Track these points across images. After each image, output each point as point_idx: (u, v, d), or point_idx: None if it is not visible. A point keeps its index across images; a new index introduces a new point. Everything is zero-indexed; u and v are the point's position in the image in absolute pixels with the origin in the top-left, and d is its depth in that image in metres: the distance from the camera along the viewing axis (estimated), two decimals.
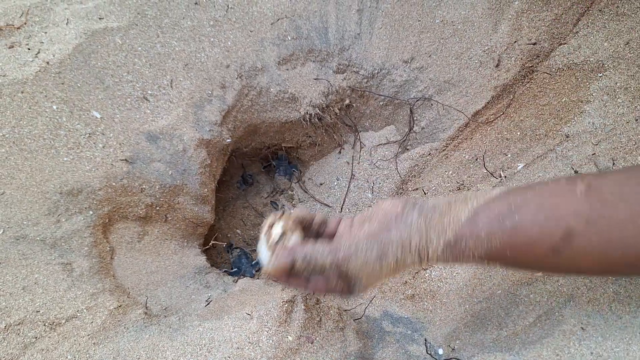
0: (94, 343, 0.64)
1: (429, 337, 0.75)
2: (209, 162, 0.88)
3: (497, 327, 0.68)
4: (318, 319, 0.68)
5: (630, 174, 0.41)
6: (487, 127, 0.93)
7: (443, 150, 0.96)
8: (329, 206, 1.03)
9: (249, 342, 0.63)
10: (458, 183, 0.91)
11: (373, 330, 0.76)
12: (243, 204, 1.09)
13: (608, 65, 0.83)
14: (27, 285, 0.67)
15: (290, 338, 0.64)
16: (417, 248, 0.45)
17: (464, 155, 0.94)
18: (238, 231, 1.07)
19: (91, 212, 0.76)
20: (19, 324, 0.63)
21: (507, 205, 0.41)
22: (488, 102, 0.94)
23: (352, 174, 1.02)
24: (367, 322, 0.78)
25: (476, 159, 0.92)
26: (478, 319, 0.72)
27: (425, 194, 0.94)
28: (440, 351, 0.72)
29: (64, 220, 0.74)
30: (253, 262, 1.03)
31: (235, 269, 1.01)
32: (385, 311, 0.82)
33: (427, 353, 0.71)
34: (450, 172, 0.94)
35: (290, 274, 0.50)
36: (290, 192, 1.10)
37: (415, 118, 1.00)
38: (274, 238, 0.52)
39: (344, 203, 1.01)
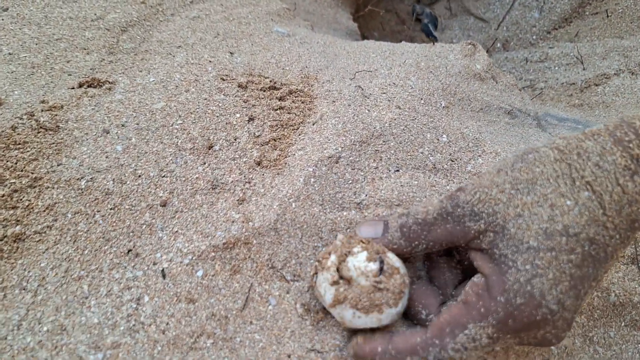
0: (271, 20, 0.60)
1: None
2: None
3: None
4: None
5: None
6: None
7: None
8: (485, 21, 0.94)
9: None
10: None
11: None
12: (386, 7, 1.01)
13: None
14: None
15: (478, 67, 0.58)
16: (609, 131, 0.29)
17: None
18: (375, 33, 1.00)
19: None
20: None
21: None
22: None
23: None
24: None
25: None
26: None
27: (608, 16, 0.83)
28: None
29: None
30: None
31: None
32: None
33: None
34: None
35: None
36: (434, 6, 1.01)
37: None
38: (361, 282, 0.28)
39: (503, 20, 0.92)
